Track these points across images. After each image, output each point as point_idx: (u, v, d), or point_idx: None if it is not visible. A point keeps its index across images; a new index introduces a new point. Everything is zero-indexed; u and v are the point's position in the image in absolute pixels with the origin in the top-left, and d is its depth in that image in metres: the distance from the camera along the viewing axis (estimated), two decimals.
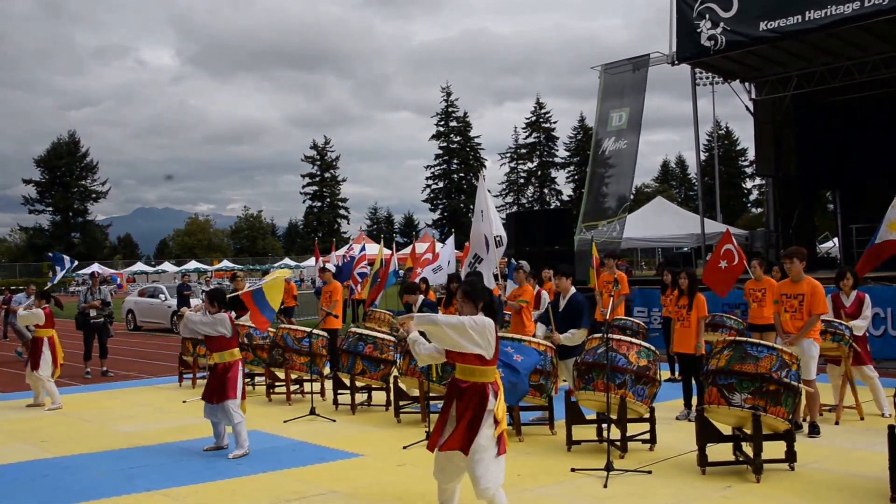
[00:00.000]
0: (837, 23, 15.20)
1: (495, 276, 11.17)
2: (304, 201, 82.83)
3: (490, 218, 10.44)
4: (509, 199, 77.89)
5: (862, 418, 8.68)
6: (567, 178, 78.41)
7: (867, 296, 9.07)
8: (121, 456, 7.86)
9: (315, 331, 10.70)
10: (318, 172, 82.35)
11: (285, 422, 9.30)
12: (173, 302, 22.88)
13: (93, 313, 14.17)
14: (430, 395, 8.70)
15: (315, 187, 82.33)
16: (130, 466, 7.40)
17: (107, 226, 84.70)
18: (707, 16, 16.76)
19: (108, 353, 14.58)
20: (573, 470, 6.77)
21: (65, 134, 79.50)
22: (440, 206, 77.95)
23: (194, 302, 21.02)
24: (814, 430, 7.88)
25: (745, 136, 72.99)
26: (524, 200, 78.05)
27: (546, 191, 78.49)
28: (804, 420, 7.97)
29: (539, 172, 78.55)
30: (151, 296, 25.21)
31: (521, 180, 78.92)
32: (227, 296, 8.40)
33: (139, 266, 68.39)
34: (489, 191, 11.48)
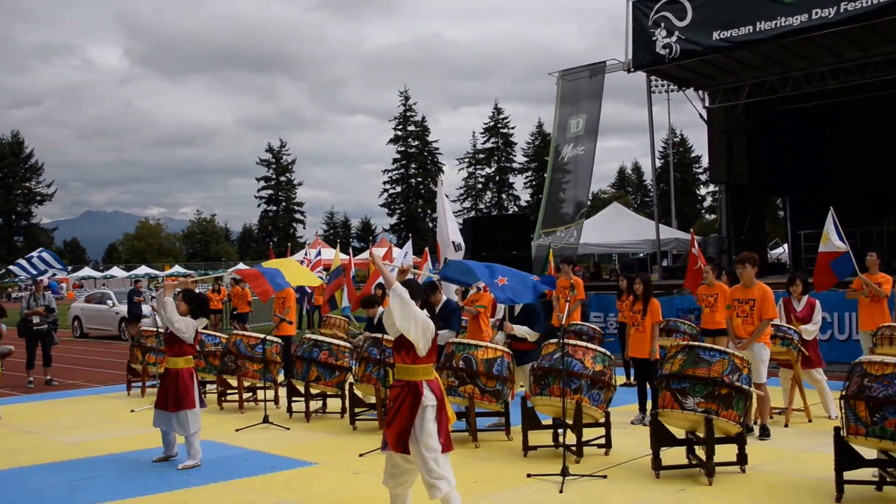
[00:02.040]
0: (786, 34, 15.52)
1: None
2: (258, 205, 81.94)
3: (446, 224, 10.42)
4: (467, 204, 78.08)
5: (810, 420, 8.85)
6: (525, 183, 78.88)
7: (818, 301, 9.27)
8: (64, 468, 7.63)
9: (269, 337, 10.54)
10: (274, 176, 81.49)
11: (237, 430, 9.12)
12: (122, 308, 22.40)
13: (36, 320, 13.75)
14: (387, 401, 8.61)
15: (270, 191, 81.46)
16: (74, 479, 7.18)
17: (52, 229, 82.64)
18: (662, 24, 16.97)
19: (52, 362, 14.17)
20: (529, 475, 6.76)
21: (7, 134, 77.35)
22: (398, 211, 77.76)
23: (145, 308, 20.62)
24: (764, 433, 7.99)
25: (700, 144, 74.10)
26: (482, 206, 78.28)
27: (504, 196, 78.82)
28: (755, 423, 8.07)
29: (497, 178, 78.86)
30: (99, 302, 24.61)
31: (480, 185, 79.14)
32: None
33: (87, 271, 66.81)
34: (447, 196, 11.47)
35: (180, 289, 8.09)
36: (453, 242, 10.50)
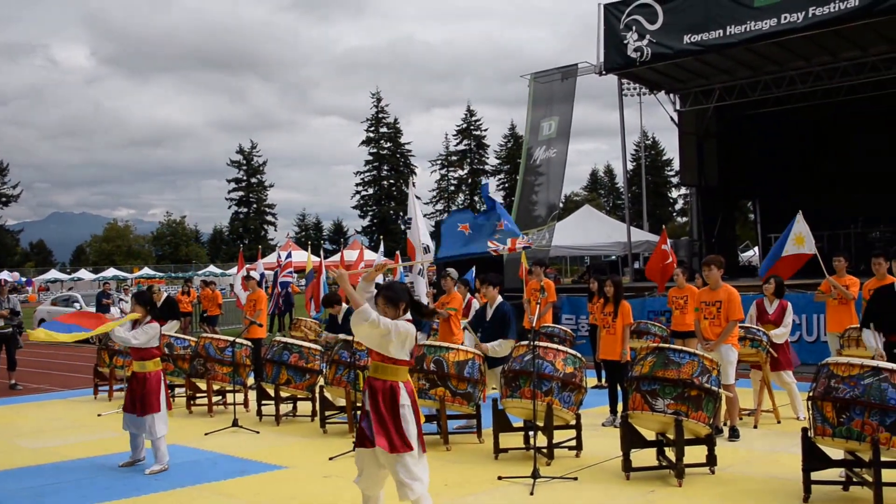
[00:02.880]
0: (756, 38, 15.72)
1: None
2: (229, 207, 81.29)
3: (417, 226, 10.39)
4: (440, 206, 78.09)
5: (779, 422, 8.92)
6: (498, 185, 79.02)
7: (790, 304, 9.28)
8: (28, 474, 7.47)
9: (238, 340, 10.43)
10: (245, 177, 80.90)
11: (206, 434, 9.01)
12: (90, 311, 22.05)
13: (0, 323, 13.50)
14: (357, 404, 8.56)
15: (241, 193, 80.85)
16: (39, 485, 7.04)
17: (18, 231, 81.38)
18: (634, 28, 17.09)
19: (16, 366, 13.88)
20: (500, 478, 6.74)
21: None
22: (370, 213, 77.57)
23: (114, 311, 20.32)
24: (733, 434, 8.04)
25: (671, 147, 74.79)
26: (455, 208, 78.32)
27: (476, 198, 78.90)
28: (724, 424, 8.13)
29: (470, 180, 78.97)
30: (66, 304, 24.25)
31: (452, 188, 79.21)
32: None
33: (53, 273, 65.78)
34: (419, 198, 11.45)
35: (133, 293, 7.93)
36: (423, 246, 10.46)
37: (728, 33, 15.90)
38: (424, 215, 10.83)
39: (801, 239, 11.06)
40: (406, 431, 4.93)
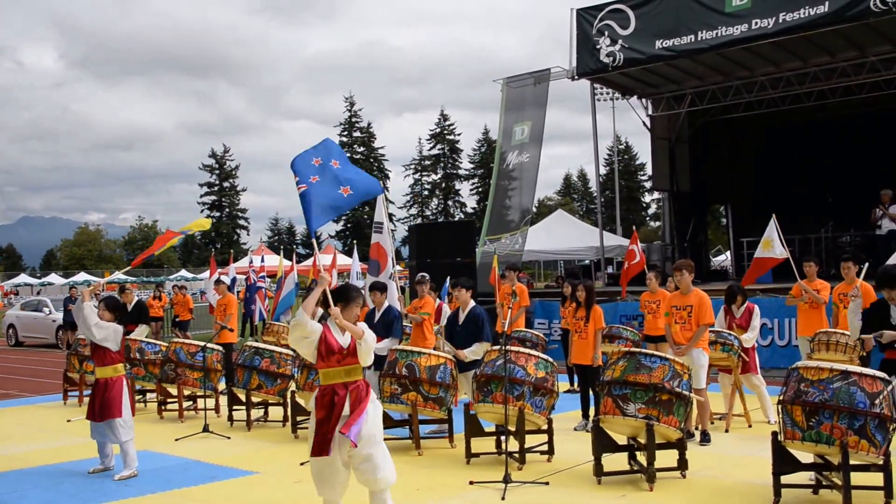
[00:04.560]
0: (727, 44, 15.85)
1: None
2: (201, 211, 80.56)
3: (389, 230, 10.37)
4: (414, 210, 77.98)
5: (750, 426, 8.98)
6: (471, 190, 79.14)
7: (756, 307, 9.37)
8: None
9: (209, 345, 10.32)
10: (217, 182, 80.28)
11: (177, 440, 8.90)
12: (58, 315, 21.79)
13: None
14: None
15: (213, 197, 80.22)
16: (5, 492, 6.92)
17: None
18: (606, 33, 17.17)
19: None
20: (472, 483, 6.72)
21: None
22: (343, 218, 77.17)
23: None
24: (705, 439, 8.09)
25: (644, 152, 74.98)
26: (429, 212, 78.25)
27: (450, 203, 78.94)
28: (696, 428, 8.17)
29: (443, 184, 78.94)
30: (35, 309, 23.93)
31: (426, 192, 79.13)
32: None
33: (23, 278, 64.75)
34: (392, 202, 11.43)
35: (103, 296, 7.80)
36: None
37: (699, 38, 16.02)
38: (398, 220, 10.79)
39: (767, 243, 11.23)
40: (377, 426, 5.26)
